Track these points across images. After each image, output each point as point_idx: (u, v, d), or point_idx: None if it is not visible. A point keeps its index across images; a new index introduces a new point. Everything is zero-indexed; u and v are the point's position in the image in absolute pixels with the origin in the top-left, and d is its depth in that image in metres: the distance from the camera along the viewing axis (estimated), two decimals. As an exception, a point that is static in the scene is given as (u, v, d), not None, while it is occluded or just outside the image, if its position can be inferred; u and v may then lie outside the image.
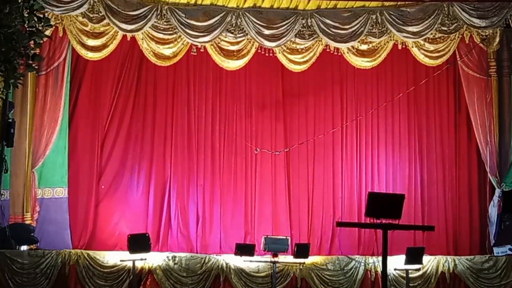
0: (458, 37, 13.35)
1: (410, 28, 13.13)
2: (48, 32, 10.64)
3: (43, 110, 12.65)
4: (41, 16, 7.05)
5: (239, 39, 13.13)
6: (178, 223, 13.11)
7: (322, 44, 13.29)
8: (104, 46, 12.88)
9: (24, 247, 11.85)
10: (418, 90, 13.76)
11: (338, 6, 13.26)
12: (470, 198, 13.57)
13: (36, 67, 11.48)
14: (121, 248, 12.13)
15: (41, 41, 7.28)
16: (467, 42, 13.39)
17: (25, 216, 12.25)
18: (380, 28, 13.16)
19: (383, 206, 6.83)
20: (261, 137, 13.58)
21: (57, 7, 12.23)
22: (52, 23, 10.61)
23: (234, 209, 13.32)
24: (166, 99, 13.47)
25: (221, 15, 12.93)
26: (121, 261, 11.65)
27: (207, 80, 13.59)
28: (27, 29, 6.99)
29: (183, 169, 13.31)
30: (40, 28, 7.00)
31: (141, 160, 13.25)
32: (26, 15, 6.83)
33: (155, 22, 12.77)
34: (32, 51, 7.07)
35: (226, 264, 11.90)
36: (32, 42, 7.04)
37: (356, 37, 13.12)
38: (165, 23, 12.86)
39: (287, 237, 12.37)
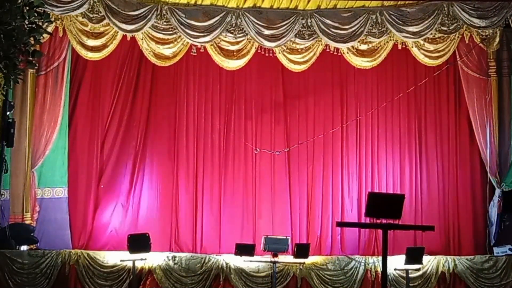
0: (458, 37, 13.34)
1: (410, 28, 13.13)
2: (49, 29, 10.68)
3: (43, 110, 12.64)
4: (41, 11, 7.05)
5: (239, 39, 13.13)
6: (178, 223, 13.11)
7: (322, 44, 13.29)
8: (104, 46, 12.88)
9: (24, 247, 11.85)
10: (418, 90, 13.75)
11: (338, 6, 13.26)
12: (470, 198, 13.54)
13: (37, 65, 11.52)
14: (121, 248, 12.12)
15: (41, 38, 7.27)
16: (467, 42, 13.38)
17: (25, 216, 12.25)
18: (380, 28, 13.16)
19: (383, 206, 6.82)
20: (261, 137, 13.58)
21: (57, 7, 12.23)
22: (52, 19, 10.59)
23: (234, 209, 13.31)
24: (166, 99, 13.46)
25: (221, 15, 12.94)
26: (121, 261, 11.66)
27: (207, 80, 13.59)
28: (27, 25, 6.99)
29: (182, 169, 13.31)
30: (40, 24, 7.01)
31: (140, 160, 13.24)
32: (26, 11, 6.83)
33: (155, 22, 12.78)
34: (32, 48, 7.08)
35: (226, 264, 11.91)
36: (32, 38, 7.04)
37: (356, 37, 13.12)
38: (165, 23, 12.86)
39: (287, 237, 12.36)
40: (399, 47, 13.41)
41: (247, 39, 13.15)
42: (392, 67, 13.83)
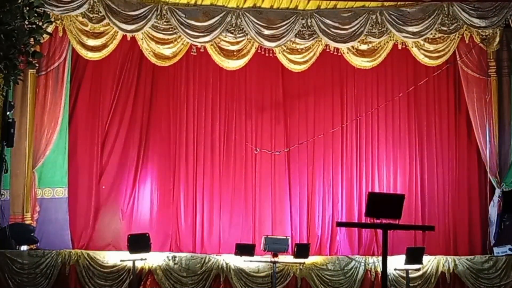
0: (458, 37, 13.34)
1: (410, 28, 13.13)
2: (49, 29, 10.68)
3: (43, 110, 12.65)
4: (41, 12, 7.06)
5: (239, 39, 13.13)
6: (178, 223, 13.12)
7: (322, 44, 13.29)
8: (104, 46, 12.88)
9: (24, 247, 11.85)
10: (418, 90, 13.75)
11: (338, 6, 13.26)
12: (470, 198, 13.56)
13: (37, 65, 11.51)
14: (121, 248, 12.12)
15: (41, 38, 7.26)
16: (467, 42, 13.38)
17: (25, 216, 12.26)
18: (380, 28, 13.17)
19: (383, 206, 6.82)
20: (261, 137, 13.59)
21: (57, 7, 12.24)
22: (52, 19, 10.58)
23: (234, 209, 13.32)
24: (166, 99, 13.47)
25: (221, 15, 12.94)
26: (121, 261, 11.66)
27: (207, 80, 13.59)
28: (27, 26, 7.00)
29: (182, 168, 13.31)
30: (40, 24, 7.01)
31: (141, 160, 13.24)
32: (26, 11, 6.84)
33: (155, 22, 12.78)
34: (32, 49, 7.08)
35: (226, 264, 11.91)
36: (32, 39, 7.04)
37: (356, 37, 13.13)
38: (165, 23, 12.86)
39: (287, 237, 12.37)
40: (399, 47, 13.41)
41: (247, 39, 13.15)
42: (392, 67, 13.83)
